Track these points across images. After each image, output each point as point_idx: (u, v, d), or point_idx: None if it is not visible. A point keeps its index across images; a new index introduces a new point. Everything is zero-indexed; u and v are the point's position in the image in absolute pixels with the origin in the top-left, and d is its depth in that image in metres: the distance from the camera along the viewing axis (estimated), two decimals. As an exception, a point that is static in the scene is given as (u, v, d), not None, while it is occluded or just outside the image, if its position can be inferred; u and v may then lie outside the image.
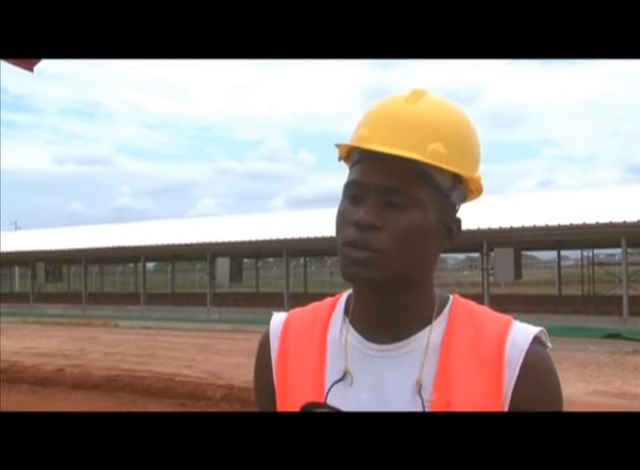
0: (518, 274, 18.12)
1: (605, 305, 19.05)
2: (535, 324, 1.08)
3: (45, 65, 3.23)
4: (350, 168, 1.09)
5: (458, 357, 1.04)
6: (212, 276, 23.36)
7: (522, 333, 1.05)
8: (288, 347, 1.15)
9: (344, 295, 1.18)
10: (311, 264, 43.63)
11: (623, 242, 15.95)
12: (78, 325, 21.41)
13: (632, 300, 16.65)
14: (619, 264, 20.51)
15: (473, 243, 18.15)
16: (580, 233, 17.29)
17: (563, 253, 30.89)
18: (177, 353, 13.82)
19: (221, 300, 25.26)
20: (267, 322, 1.20)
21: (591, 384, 9.75)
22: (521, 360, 1.02)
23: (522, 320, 1.09)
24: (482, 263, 18.79)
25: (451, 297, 1.13)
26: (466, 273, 48.01)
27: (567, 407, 1.06)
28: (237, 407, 8.63)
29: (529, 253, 42.66)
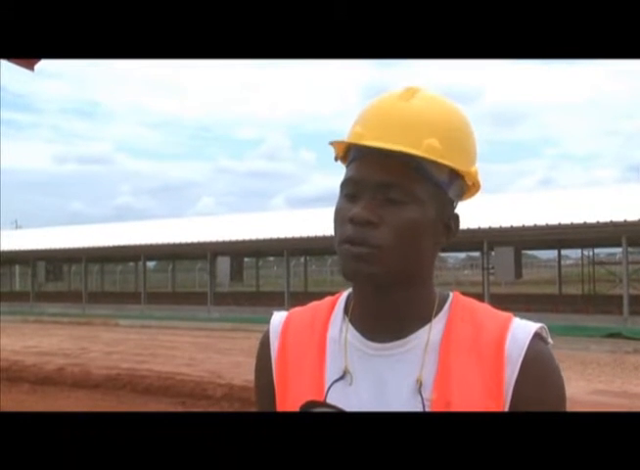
0: (518, 273, 18.10)
1: (605, 304, 19.05)
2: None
3: (45, 64, 3.23)
4: (347, 167, 1.09)
5: (458, 355, 1.04)
6: (213, 275, 23.36)
7: (522, 329, 1.05)
8: (288, 346, 1.15)
9: (344, 294, 1.18)
10: (312, 263, 43.66)
11: (624, 241, 15.93)
12: (79, 324, 21.40)
13: (633, 299, 16.64)
14: (620, 263, 20.50)
15: (473, 242, 18.14)
16: (581, 232, 17.28)
17: (563, 252, 30.89)
18: (177, 352, 13.82)
19: (222, 299, 25.26)
20: (268, 321, 1.20)
21: (592, 383, 9.75)
22: (521, 357, 1.02)
23: (522, 318, 1.09)
24: (483, 262, 18.78)
25: (451, 294, 1.13)
26: (466, 272, 48.00)
27: (567, 407, 1.06)
28: (237, 406, 8.64)
29: (530, 252, 42.68)
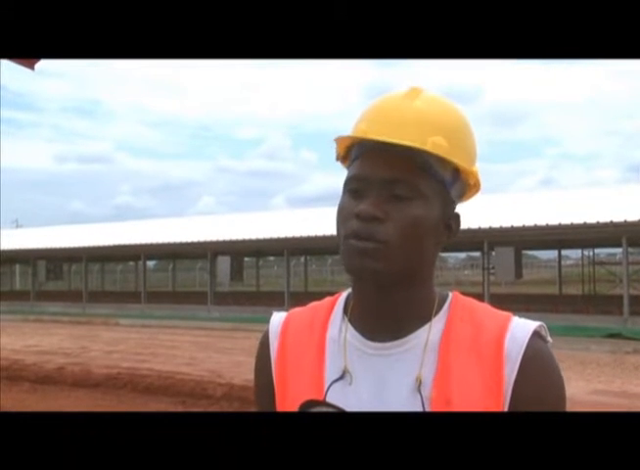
0: (518, 273, 18.11)
1: (605, 304, 19.04)
2: (535, 323, 1.08)
3: (46, 63, 3.23)
4: (350, 165, 1.09)
5: (458, 354, 1.04)
6: (213, 275, 23.36)
7: (521, 328, 1.05)
8: (287, 346, 1.15)
9: (344, 294, 1.18)
10: (312, 263, 43.66)
11: (624, 241, 15.93)
12: (79, 323, 21.40)
13: (633, 299, 16.63)
14: (620, 264, 20.48)
15: (473, 242, 18.14)
16: (581, 232, 17.27)
17: (563, 252, 30.88)
18: (178, 352, 13.82)
19: (222, 298, 25.25)
20: (268, 321, 1.21)
21: (592, 383, 9.75)
22: (520, 355, 1.02)
23: (522, 318, 1.09)
24: (483, 263, 18.78)
25: (450, 294, 1.13)
26: (466, 272, 47.99)
27: (567, 407, 1.06)
28: (237, 406, 8.64)
29: (530, 252, 42.67)
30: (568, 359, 11.19)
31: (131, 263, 41.39)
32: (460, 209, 1.12)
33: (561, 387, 1.06)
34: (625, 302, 15.77)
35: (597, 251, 28.86)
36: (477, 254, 32.16)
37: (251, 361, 1.22)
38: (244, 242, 22.12)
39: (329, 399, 1.06)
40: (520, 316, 1.09)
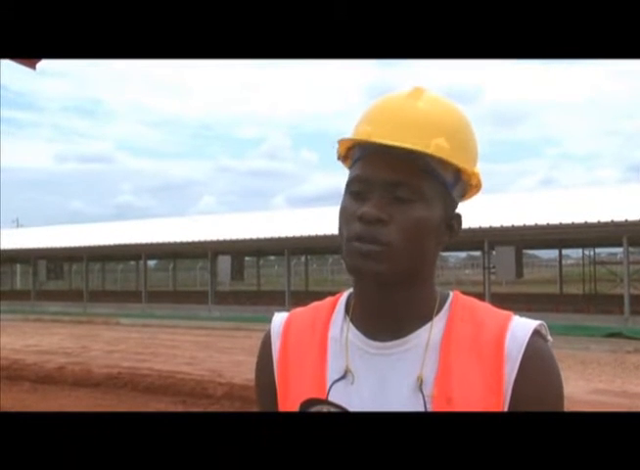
0: (519, 273, 18.10)
1: (606, 303, 19.04)
2: (536, 322, 1.08)
3: (47, 62, 3.23)
4: (352, 166, 1.09)
5: (458, 354, 1.04)
6: (214, 274, 23.37)
7: (521, 327, 1.05)
8: (289, 346, 1.15)
9: (345, 294, 1.18)
10: (312, 262, 43.67)
11: (625, 241, 15.93)
12: (80, 323, 21.41)
13: (633, 298, 16.62)
14: (621, 263, 20.48)
15: (474, 241, 18.14)
16: (582, 232, 17.27)
17: (564, 251, 30.87)
18: (178, 351, 13.82)
19: (222, 297, 25.27)
20: (268, 320, 1.21)
21: (592, 383, 9.75)
22: (521, 354, 1.03)
23: (523, 318, 1.09)
24: (484, 262, 18.78)
25: (451, 293, 1.13)
26: (467, 272, 47.98)
27: (567, 406, 1.06)
28: (238, 405, 8.63)
29: (531, 251, 42.69)
30: (568, 359, 11.19)
31: (132, 263, 41.44)
32: (461, 208, 1.13)
33: (560, 386, 1.06)
34: (626, 301, 15.76)
35: (598, 250, 28.88)
36: (477, 253, 32.18)
37: (252, 361, 1.22)
38: (244, 241, 22.13)
39: (331, 399, 1.06)
40: (520, 316, 1.09)
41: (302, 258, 36.88)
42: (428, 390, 1.03)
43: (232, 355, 12.89)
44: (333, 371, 1.09)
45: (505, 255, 17.65)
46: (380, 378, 1.06)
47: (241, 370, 10.58)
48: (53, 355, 13.35)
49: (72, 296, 29.39)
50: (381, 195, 1.03)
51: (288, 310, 1.22)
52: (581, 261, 29.64)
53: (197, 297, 26.68)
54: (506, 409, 1.02)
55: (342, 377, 1.08)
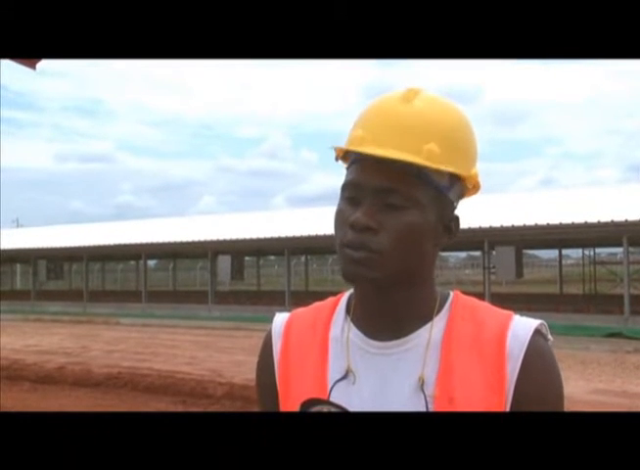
0: (519, 273, 18.11)
1: (606, 303, 19.03)
2: (536, 323, 1.08)
3: (47, 62, 3.23)
4: (347, 169, 1.09)
5: (460, 353, 1.04)
6: (214, 274, 23.37)
7: (522, 326, 1.05)
8: (290, 346, 1.15)
9: (346, 294, 1.18)
10: (312, 262, 43.68)
11: (625, 241, 15.93)
12: (80, 323, 21.41)
13: (633, 298, 16.63)
14: (621, 263, 20.49)
15: (474, 241, 18.14)
16: (582, 232, 17.27)
17: (564, 251, 30.88)
18: (178, 351, 13.82)
19: (222, 297, 25.27)
20: (268, 320, 1.21)
21: (592, 382, 9.75)
22: (522, 353, 1.03)
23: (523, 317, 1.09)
24: (484, 262, 18.78)
25: (451, 293, 1.13)
26: (467, 272, 47.99)
27: (568, 406, 1.07)
28: (238, 405, 8.63)
29: (531, 251, 42.70)
30: (568, 359, 11.19)
31: (132, 263, 41.44)
32: (460, 208, 1.12)
33: (561, 385, 1.07)
34: (626, 301, 15.76)
35: (598, 250, 28.90)
36: (477, 253, 32.19)
37: (252, 361, 1.22)
38: (244, 241, 22.13)
39: (332, 399, 1.06)
40: (521, 315, 1.09)
41: (302, 258, 36.89)
42: (429, 390, 1.03)
43: (232, 355, 12.89)
44: (334, 371, 1.09)
45: (505, 255, 17.65)
46: (381, 378, 1.06)
47: (241, 370, 10.59)
48: (53, 355, 13.35)
49: (72, 296, 29.39)
50: (372, 202, 1.03)
51: (288, 310, 1.23)
52: (581, 261, 29.65)
53: (197, 297, 26.68)
54: (508, 409, 1.02)
55: (344, 377, 1.08)
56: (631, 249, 20.04)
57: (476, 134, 1.11)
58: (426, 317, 1.08)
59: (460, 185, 1.09)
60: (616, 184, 26.82)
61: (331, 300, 1.20)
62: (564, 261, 31.28)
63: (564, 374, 1.06)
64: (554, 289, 30.14)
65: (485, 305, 1.12)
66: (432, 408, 1.02)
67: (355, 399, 1.05)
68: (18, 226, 54.31)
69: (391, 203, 1.02)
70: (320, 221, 18.94)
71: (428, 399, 1.02)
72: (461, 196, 1.12)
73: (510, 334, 1.04)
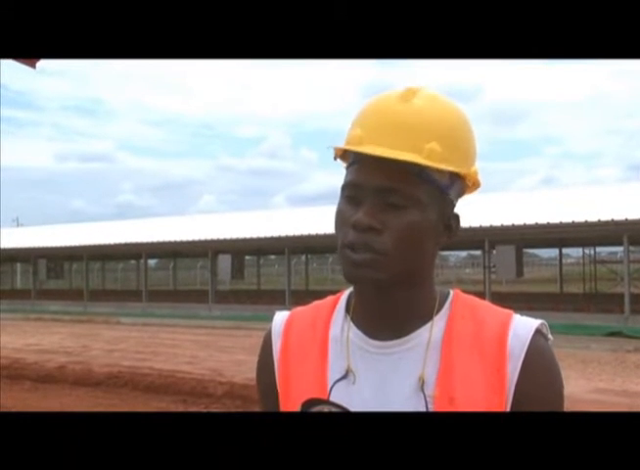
0: (519, 272, 18.10)
1: (606, 302, 19.03)
2: (536, 322, 1.08)
3: (47, 62, 3.23)
4: (347, 169, 1.09)
5: (460, 352, 1.04)
6: (214, 273, 23.37)
7: (523, 325, 1.05)
8: (290, 345, 1.15)
9: (346, 293, 1.18)
10: (313, 262, 43.69)
11: (625, 240, 15.93)
12: (80, 322, 21.41)
13: (634, 297, 16.62)
14: (621, 262, 20.49)
15: (474, 240, 18.15)
16: (582, 231, 17.27)
17: (564, 250, 30.88)
18: (179, 350, 13.82)
19: (223, 297, 25.27)
20: (269, 319, 1.21)
21: (592, 382, 9.75)
22: (523, 353, 1.03)
23: (523, 317, 1.09)
24: (484, 261, 18.77)
25: (451, 292, 1.13)
26: (467, 271, 47.99)
27: (568, 405, 1.07)
28: (238, 404, 8.63)
29: (531, 250, 42.68)
30: (569, 358, 11.18)
31: (132, 262, 41.45)
32: (461, 208, 1.12)
33: (561, 384, 1.07)
34: (626, 300, 15.76)
35: (598, 249, 28.89)
36: (478, 252, 32.19)
37: (253, 360, 1.22)
38: (245, 240, 22.13)
39: (332, 399, 1.06)
40: (521, 315, 1.09)
41: (303, 258, 36.89)
42: (429, 390, 1.03)
43: (232, 355, 12.89)
44: (334, 371, 1.09)
45: (505, 254, 17.65)
46: (381, 378, 1.06)
47: (241, 369, 10.59)
48: (53, 355, 13.36)
49: (73, 295, 29.40)
50: (373, 202, 1.02)
51: (288, 310, 1.22)
52: (582, 260, 29.64)
53: (197, 296, 26.68)
54: (508, 408, 1.02)
55: (344, 377, 1.08)
56: (632, 248, 20.03)
57: (475, 132, 1.11)
58: (426, 317, 1.08)
59: (460, 183, 1.09)
60: (616, 183, 26.84)
61: (330, 298, 1.19)
62: (564, 260, 31.28)
63: (564, 373, 1.06)
64: (554, 288, 30.15)
65: (485, 303, 1.12)
66: (432, 408, 1.02)
67: (355, 398, 1.05)
68: (18, 225, 54.30)
69: (393, 202, 1.02)
70: (320, 220, 18.93)
71: (428, 399, 1.02)
72: (461, 194, 1.12)
73: (511, 333, 1.04)
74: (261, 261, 39.65)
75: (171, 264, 42.03)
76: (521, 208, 18.77)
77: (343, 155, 1.11)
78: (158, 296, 26.98)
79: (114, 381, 10.38)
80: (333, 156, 1.12)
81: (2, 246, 27.29)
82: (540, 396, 1.02)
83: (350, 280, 1.05)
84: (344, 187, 1.07)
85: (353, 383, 1.07)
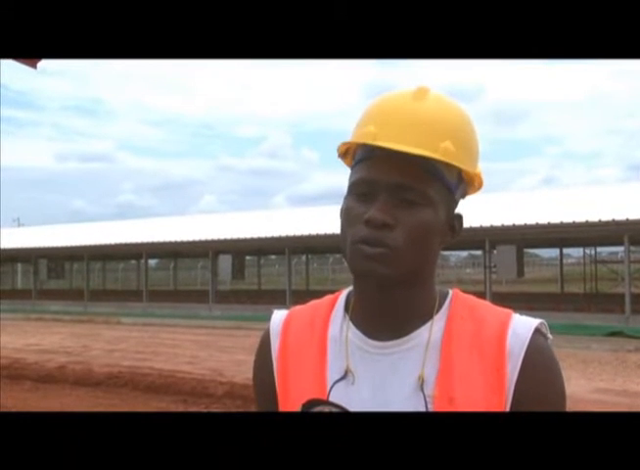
0: (520, 272, 18.11)
1: (607, 302, 19.03)
2: (537, 322, 1.08)
3: (47, 62, 3.23)
4: (354, 166, 1.08)
5: (460, 352, 1.04)
6: (214, 273, 23.37)
7: (522, 325, 1.06)
8: (289, 344, 1.15)
9: (344, 292, 1.18)
10: (313, 262, 43.69)
11: (626, 239, 15.93)
12: (80, 322, 21.41)
13: (635, 297, 16.61)
14: (622, 262, 20.48)
15: (475, 240, 18.14)
16: (583, 231, 17.26)
17: (565, 250, 30.89)
18: (179, 350, 13.82)
19: (223, 297, 25.26)
20: (269, 319, 1.20)
21: (593, 382, 9.75)
22: (523, 352, 1.03)
23: (524, 316, 1.09)
24: (485, 261, 18.77)
25: (450, 292, 1.13)
26: (468, 271, 47.98)
27: (569, 405, 1.07)
28: (238, 404, 8.63)
29: (532, 250, 42.67)
30: (569, 358, 11.18)
31: (133, 262, 41.47)
32: (462, 208, 1.13)
33: (562, 384, 1.07)
34: (627, 300, 15.75)
35: (599, 249, 28.90)
36: (478, 252, 32.18)
37: (253, 360, 1.22)
38: (245, 240, 22.13)
39: (332, 399, 1.06)
40: (522, 315, 1.09)
41: (303, 258, 36.90)
42: (429, 390, 1.03)
43: (233, 355, 12.89)
44: (333, 371, 1.09)
45: (506, 254, 17.65)
46: (380, 378, 1.06)
47: (241, 369, 10.59)
48: (54, 355, 13.36)
49: (73, 295, 29.42)
50: (386, 198, 1.02)
51: (288, 309, 1.22)
52: (582, 260, 29.64)
53: (197, 296, 26.70)
54: (508, 408, 1.02)
55: (343, 377, 1.07)
56: (632, 247, 20.04)
57: (477, 134, 1.11)
58: (425, 316, 1.08)
59: (465, 184, 1.10)
60: (616, 183, 26.84)
61: (328, 298, 1.19)
62: (565, 260, 31.29)
63: (565, 373, 1.06)
64: (555, 288, 30.15)
65: (484, 303, 1.12)
66: (431, 408, 1.01)
67: (355, 399, 1.05)
68: (19, 225, 54.34)
69: (407, 199, 1.02)
70: (321, 220, 18.94)
71: (427, 398, 1.02)
72: (464, 195, 1.12)
73: (510, 333, 1.04)
74: (262, 261, 39.66)
75: (172, 264, 42.06)
76: (521, 207, 18.77)
77: (345, 154, 1.11)
78: (158, 296, 26.99)
79: (115, 381, 10.38)
80: (337, 154, 1.12)
81: (3, 246, 27.31)
82: (540, 395, 1.02)
83: (359, 274, 1.05)
84: (354, 184, 1.06)
85: (352, 383, 1.07)
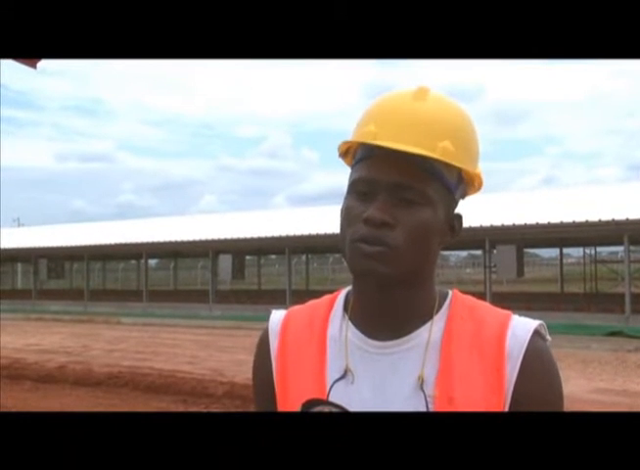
0: (520, 272, 18.10)
1: (607, 302, 19.02)
2: (537, 322, 1.09)
3: (47, 62, 3.23)
4: (354, 165, 1.09)
5: (459, 352, 1.04)
6: (215, 273, 23.38)
7: (522, 326, 1.06)
8: (288, 344, 1.15)
9: (343, 292, 1.18)
10: (313, 261, 43.70)
11: (626, 239, 15.93)
12: (80, 322, 21.42)
13: (634, 297, 16.60)
14: (622, 262, 20.49)
15: (475, 240, 18.14)
16: (583, 230, 17.27)
17: (565, 250, 30.89)
18: (179, 350, 13.83)
19: (223, 296, 25.27)
20: (268, 319, 1.20)
21: (593, 381, 9.75)
22: (522, 354, 1.03)
23: (524, 317, 1.09)
24: (485, 261, 18.77)
25: (450, 292, 1.13)
26: (468, 271, 47.99)
27: (568, 405, 1.07)
28: (238, 404, 8.63)
29: (532, 250, 42.67)
30: (569, 358, 11.19)
31: (133, 262, 41.48)
32: (462, 207, 1.13)
33: (560, 385, 1.07)
34: (627, 300, 15.76)
35: (599, 249, 28.90)
36: (478, 252, 32.19)
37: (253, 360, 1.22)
38: (245, 240, 22.13)
39: (331, 399, 1.06)
40: (521, 315, 1.10)
41: (303, 257, 36.90)
42: (429, 390, 1.03)
43: (233, 354, 12.89)
44: (332, 371, 1.09)
45: (506, 253, 17.65)
46: (380, 378, 1.06)
47: (242, 369, 10.58)
48: (54, 354, 13.36)
49: (73, 295, 29.42)
50: (386, 197, 1.02)
51: (287, 308, 1.22)
52: (582, 260, 29.64)
53: (198, 296, 26.70)
54: (507, 408, 1.02)
55: (342, 377, 1.07)
56: (632, 247, 20.05)
57: (478, 134, 1.12)
58: (425, 316, 1.08)
59: (465, 184, 1.10)
60: (616, 183, 26.85)
61: (327, 297, 1.19)
62: (565, 260, 31.30)
63: (564, 373, 1.07)
64: (555, 288, 30.15)
65: (484, 304, 1.12)
66: (431, 408, 1.02)
67: (354, 398, 1.05)
68: (19, 225, 54.37)
69: (406, 198, 1.02)
70: (321, 220, 18.95)
71: (427, 398, 1.02)
72: (464, 195, 1.12)
73: (509, 334, 1.04)
74: (262, 261, 39.66)
75: (172, 264, 42.05)
76: (521, 207, 18.77)
77: (346, 153, 1.11)
78: (158, 296, 27.00)
79: (115, 381, 10.38)
80: (338, 153, 1.12)
81: (3, 246, 27.31)
82: (539, 396, 1.03)
83: (359, 273, 1.05)
84: (354, 183, 1.07)
85: (352, 383, 1.07)
